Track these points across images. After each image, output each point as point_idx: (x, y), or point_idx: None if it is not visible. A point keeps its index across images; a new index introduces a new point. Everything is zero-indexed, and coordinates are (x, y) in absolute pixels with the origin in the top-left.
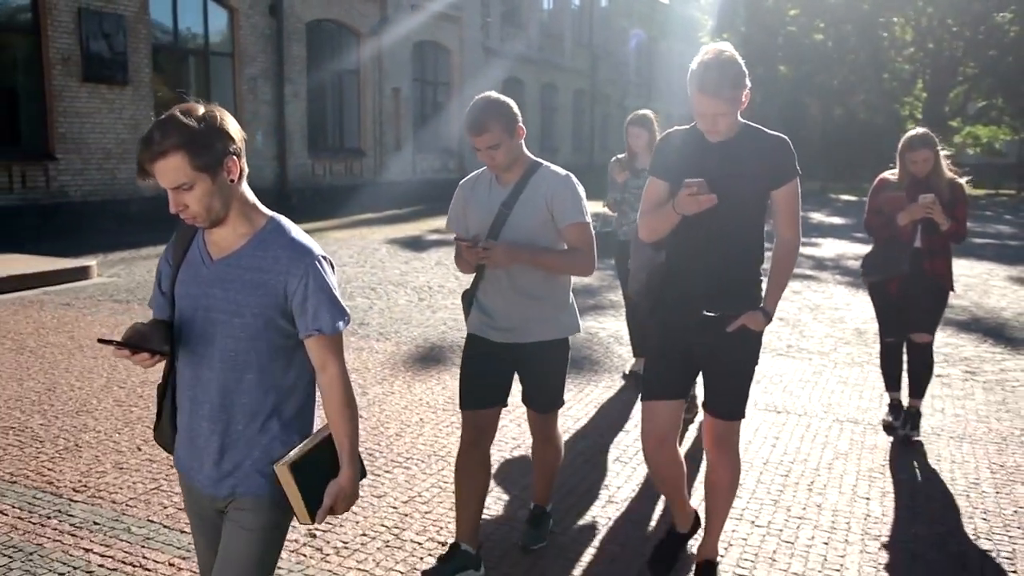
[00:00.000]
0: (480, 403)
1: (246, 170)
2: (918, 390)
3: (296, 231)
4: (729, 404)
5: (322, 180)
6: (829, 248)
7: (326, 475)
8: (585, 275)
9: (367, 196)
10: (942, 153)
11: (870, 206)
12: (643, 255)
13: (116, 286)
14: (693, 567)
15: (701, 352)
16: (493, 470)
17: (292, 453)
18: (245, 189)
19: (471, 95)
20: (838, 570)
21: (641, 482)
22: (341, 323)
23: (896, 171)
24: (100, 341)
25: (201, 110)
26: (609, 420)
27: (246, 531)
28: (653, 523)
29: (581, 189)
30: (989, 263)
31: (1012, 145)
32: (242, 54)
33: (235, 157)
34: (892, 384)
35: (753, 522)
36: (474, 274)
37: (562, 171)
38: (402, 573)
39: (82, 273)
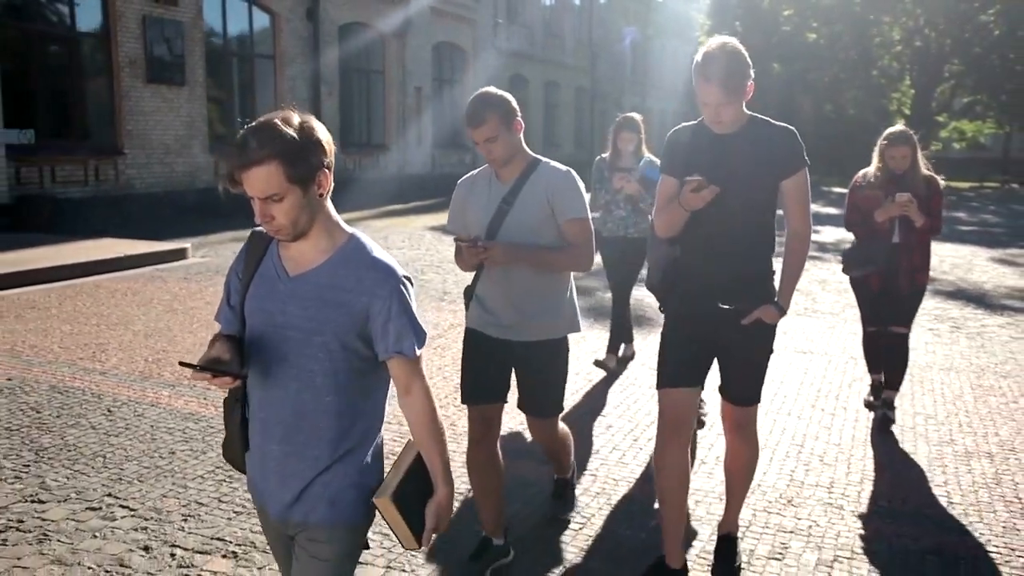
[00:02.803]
0: (481, 399)
1: (332, 185)
2: (894, 383)
3: (378, 250)
4: (746, 391)
5: (351, 173)
6: (829, 234)
7: (423, 496)
8: (583, 270)
9: (392, 188)
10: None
11: (849, 204)
12: (659, 251)
13: (215, 265)
14: (715, 540)
15: (717, 343)
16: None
17: (388, 483)
18: (329, 205)
19: None
20: (863, 442)
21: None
22: (421, 345)
23: (871, 169)
24: (181, 364)
25: (297, 119)
26: (593, 421)
27: (321, 562)
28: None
29: (581, 184)
30: (974, 246)
31: (996, 139)
32: (282, 56)
33: (327, 171)
34: (874, 367)
35: (799, 417)
36: (474, 272)
37: (562, 167)
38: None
39: (180, 254)
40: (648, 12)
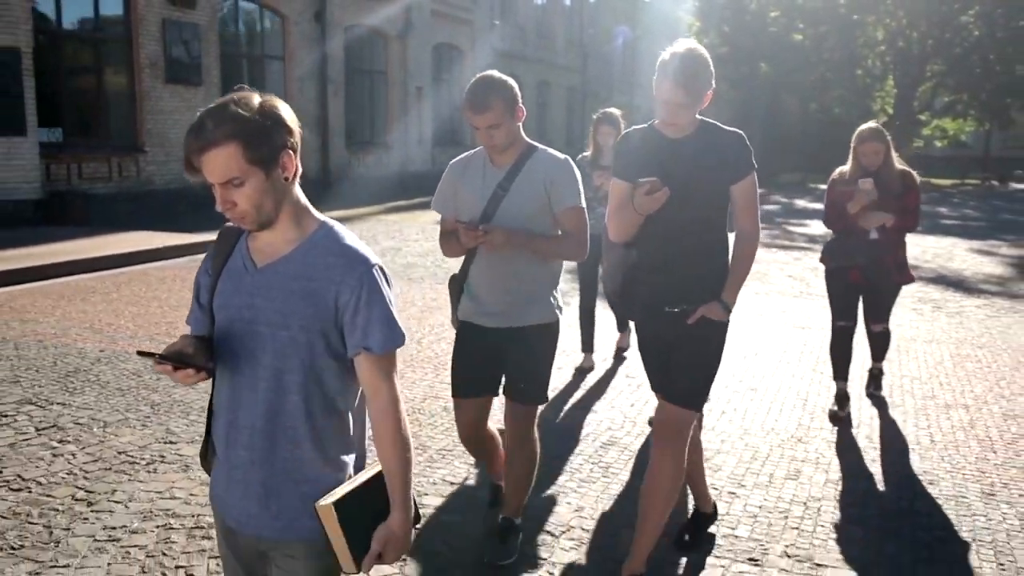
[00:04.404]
0: (473, 392)
1: (300, 169)
2: (879, 356)
3: (350, 237)
4: (685, 390)
5: (355, 170)
6: (818, 228)
7: (375, 517)
8: (577, 259)
9: (395, 185)
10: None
11: (827, 201)
12: (615, 255)
13: None
14: None
15: (669, 346)
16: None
17: (338, 489)
18: (298, 190)
19: None
20: (859, 397)
21: (609, 484)
22: (394, 344)
23: (847, 167)
24: (139, 353)
25: (257, 99)
26: (571, 419)
27: None
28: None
29: (578, 173)
30: (955, 238)
31: (977, 137)
32: (291, 56)
33: (292, 152)
34: (840, 372)
35: (801, 378)
36: (461, 258)
37: (560, 155)
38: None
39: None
40: (636, 12)
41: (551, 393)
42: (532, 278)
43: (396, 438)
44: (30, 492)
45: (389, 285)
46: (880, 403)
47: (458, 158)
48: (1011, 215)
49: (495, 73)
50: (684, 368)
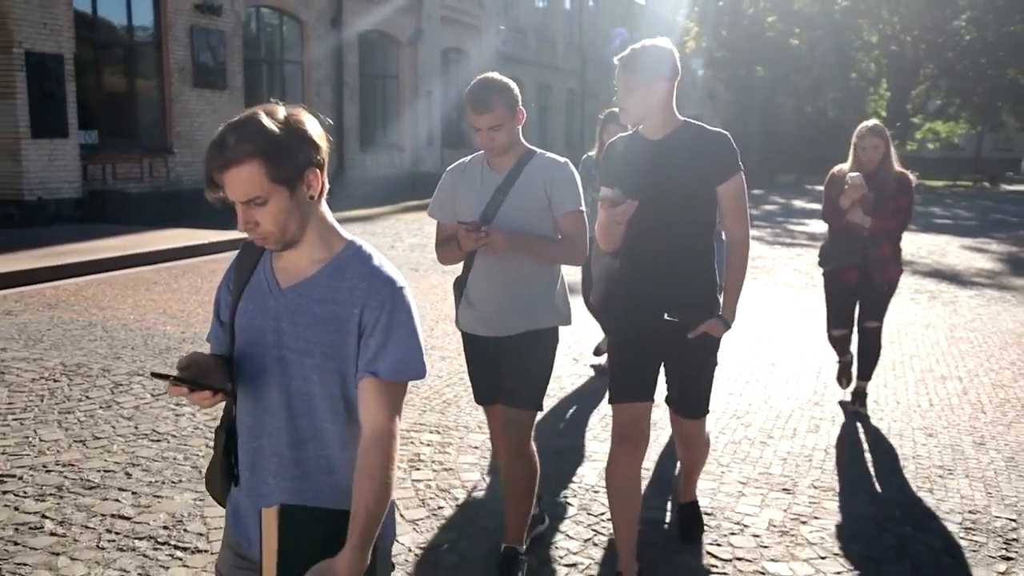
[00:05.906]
0: (487, 400)
1: (327, 186)
2: (866, 373)
3: (378, 258)
4: (694, 405)
5: (370, 171)
6: (818, 226)
7: (329, 550)
8: (577, 264)
9: (406, 186)
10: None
11: (825, 198)
12: (602, 263)
13: None
14: (677, 509)
15: (663, 352)
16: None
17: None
18: (324, 208)
19: None
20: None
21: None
22: (406, 374)
23: (846, 165)
24: (154, 375)
25: (283, 112)
26: (577, 419)
27: None
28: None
29: (578, 176)
30: (949, 236)
31: (969, 140)
32: (309, 61)
33: (318, 170)
34: (843, 352)
35: (814, 356)
36: (460, 264)
37: (559, 158)
38: None
39: None
40: (633, 16)
41: (581, 380)
42: (531, 283)
43: (378, 476)
44: (169, 442)
45: (415, 309)
46: (885, 373)
47: (455, 163)
48: (1001, 215)
49: (496, 75)
50: (687, 381)
